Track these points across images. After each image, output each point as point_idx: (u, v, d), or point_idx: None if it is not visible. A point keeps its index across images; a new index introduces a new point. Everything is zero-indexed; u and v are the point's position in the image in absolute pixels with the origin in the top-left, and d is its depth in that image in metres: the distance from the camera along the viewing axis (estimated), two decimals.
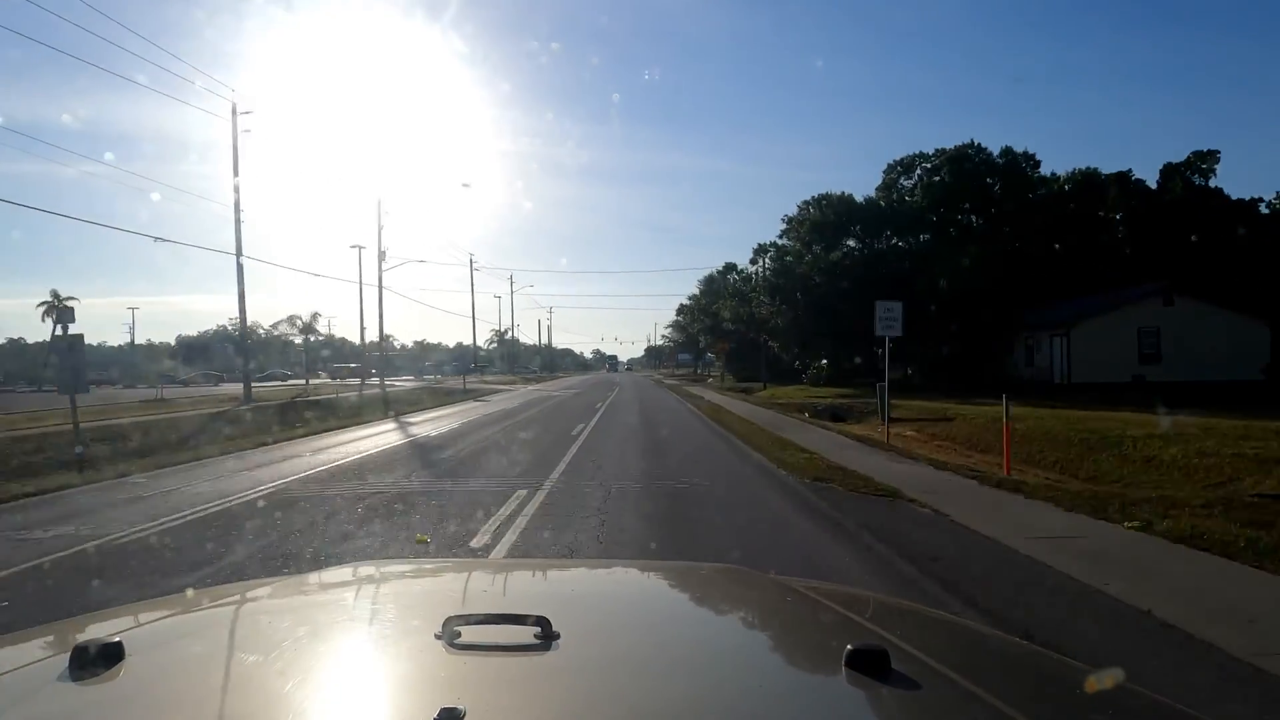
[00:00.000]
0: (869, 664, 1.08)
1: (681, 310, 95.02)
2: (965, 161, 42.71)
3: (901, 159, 46.66)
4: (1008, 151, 42.78)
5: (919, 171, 46.07)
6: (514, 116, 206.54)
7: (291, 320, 45.81)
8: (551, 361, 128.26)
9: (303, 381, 47.43)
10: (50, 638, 1.41)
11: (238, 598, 1.86)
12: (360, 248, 49.91)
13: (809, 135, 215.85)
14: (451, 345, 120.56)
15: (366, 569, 2.63)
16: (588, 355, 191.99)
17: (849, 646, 1.11)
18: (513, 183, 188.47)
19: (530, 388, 53.14)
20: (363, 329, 50.82)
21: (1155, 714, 1.27)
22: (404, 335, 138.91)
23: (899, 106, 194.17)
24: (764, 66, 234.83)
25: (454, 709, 0.89)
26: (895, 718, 1.07)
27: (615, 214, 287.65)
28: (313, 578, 2.36)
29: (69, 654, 1.11)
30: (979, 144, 43.19)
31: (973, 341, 36.42)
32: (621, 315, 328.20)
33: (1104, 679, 1.20)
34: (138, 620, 1.54)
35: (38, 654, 1.28)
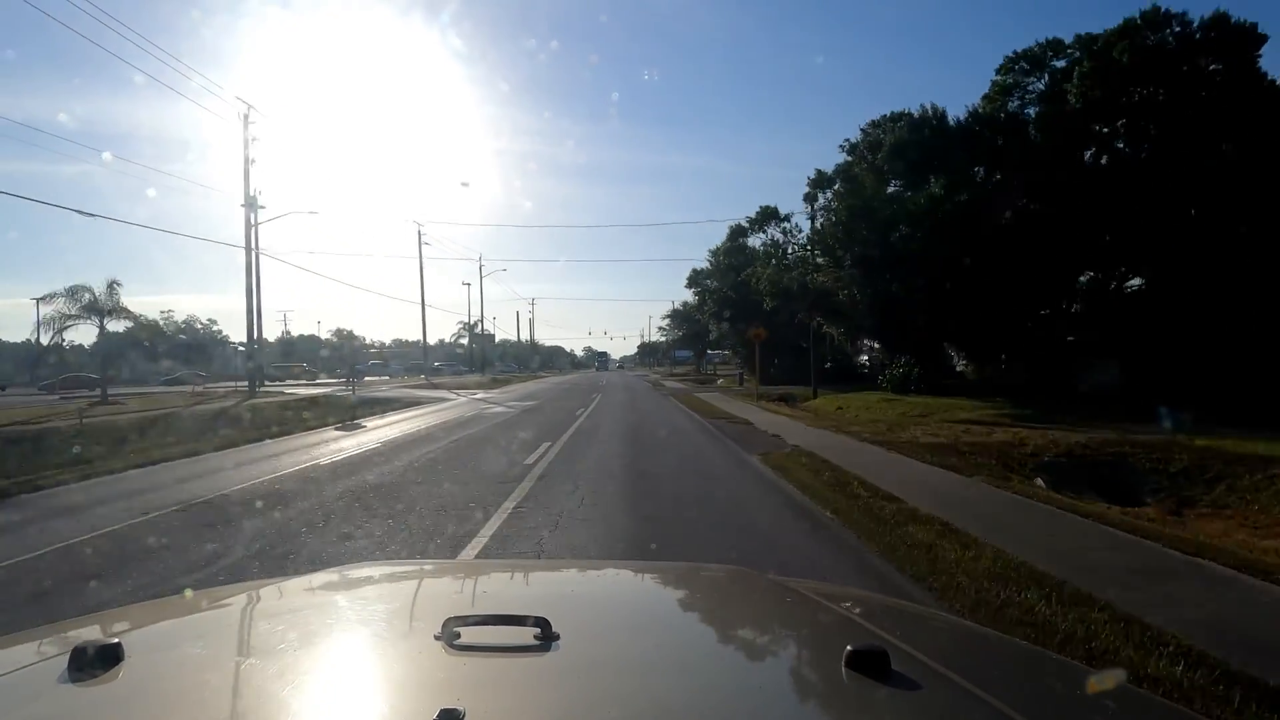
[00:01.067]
0: (869, 664, 1.07)
1: (694, 280, 64.61)
2: (1148, 31, 26.74)
3: (1025, 50, 30.74)
4: (1216, 21, 26.77)
5: (1048, 73, 30.11)
6: (511, 115, 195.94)
7: (74, 294, 29.09)
8: (535, 358, 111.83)
9: (142, 390, 32.62)
10: (50, 639, 1.38)
11: (236, 599, 1.80)
12: (245, 206, 33.93)
13: (803, 134, 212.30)
14: (433, 342, 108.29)
15: (366, 570, 2.49)
16: (579, 353, 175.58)
17: (849, 647, 1.10)
18: (509, 181, 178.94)
19: (480, 395, 36.92)
20: (250, 322, 34.74)
21: (1155, 714, 1.31)
22: (385, 333, 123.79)
23: (896, 104, 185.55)
24: (759, 65, 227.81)
25: (453, 710, 0.89)
26: (895, 718, 1.05)
27: (609, 212, 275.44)
28: (312, 579, 2.17)
29: (68, 655, 1.10)
30: (1167, 9, 27.16)
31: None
32: (614, 310, 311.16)
33: (1104, 679, 1.19)
34: (137, 622, 1.54)
35: (37, 655, 1.26)
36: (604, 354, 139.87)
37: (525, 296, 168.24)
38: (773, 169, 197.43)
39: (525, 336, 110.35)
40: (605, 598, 1.82)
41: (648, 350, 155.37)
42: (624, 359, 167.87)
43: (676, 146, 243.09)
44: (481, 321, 73.21)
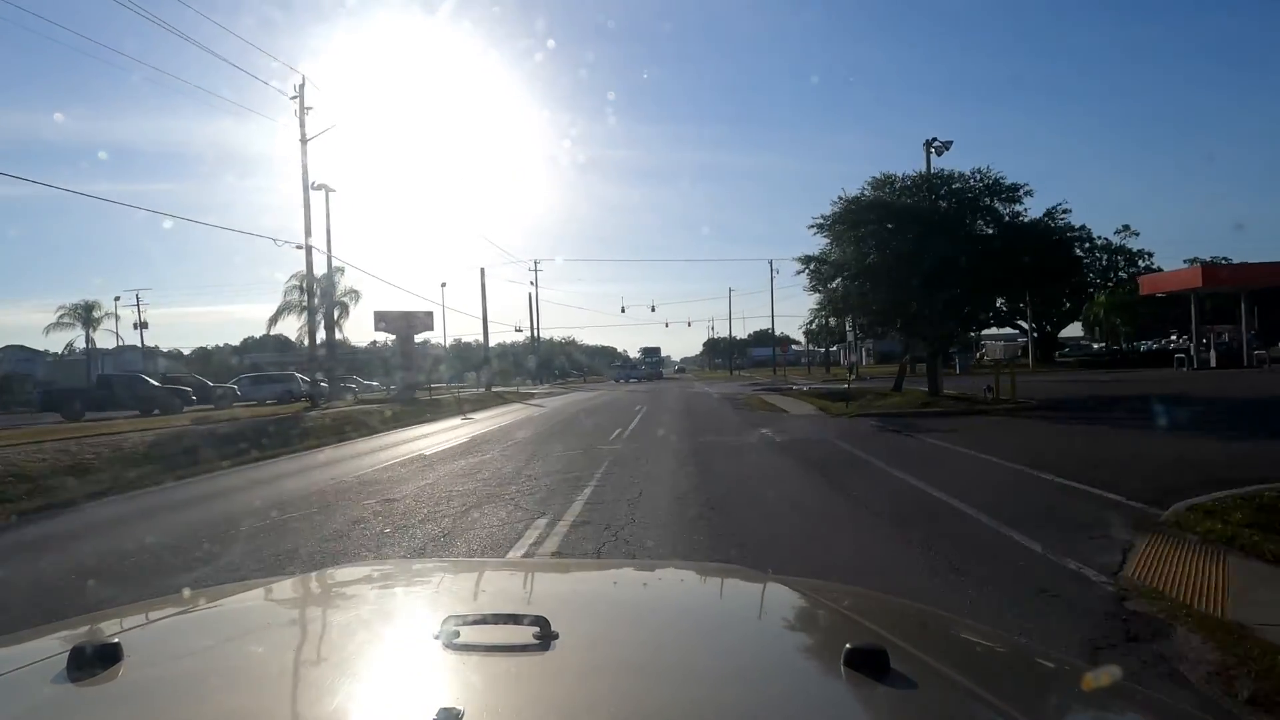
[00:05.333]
0: (868, 663, 1.07)
1: None
2: None
3: None
4: None
5: None
6: (550, 114, 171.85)
7: None
8: (547, 361, 76.14)
9: None
10: (48, 638, 1.40)
11: (235, 598, 1.81)
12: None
13: (845, 126, 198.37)
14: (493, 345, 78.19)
15: (365, 569, 2.62)
16: (633, 354, 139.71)
17: (847, 646, 1.10)
18: (552, 181, 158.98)
19: None
20: None
21: (1152, 712, 1.32)
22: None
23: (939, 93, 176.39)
24: (800, 60, 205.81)
25: (452, 709, 0.89)
26: (894, 717, 1.06)
27: (658, 213, 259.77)
28: (311, 578, 2.29)
29: (67, 655, 1.11)
30: None
31: None
32: (670, 308, 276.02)
33: (1100, 677, 1.21)
34: (136, 621, 1.57)
35: (35, 655, 1.26)
36: (655, 351, 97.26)
37: (522, 258, 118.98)
38: (815, 164, 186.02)
39: (562, 330, 74.47)
40: (604, 597, 1.83)
41: (715, 350, 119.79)
42: (684, 361, 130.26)
43: (710, 144, 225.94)
44: (332, 273, 34.19)
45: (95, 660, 1.09)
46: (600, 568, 3.08)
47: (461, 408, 28.89)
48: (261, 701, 1.06)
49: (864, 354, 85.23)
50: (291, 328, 47.72)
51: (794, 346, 79.58)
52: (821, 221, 24.41)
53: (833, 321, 24.84)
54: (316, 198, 35.18)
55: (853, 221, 23.59)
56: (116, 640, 1.15)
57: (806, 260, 25.37)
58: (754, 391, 37.08)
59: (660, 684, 1.13)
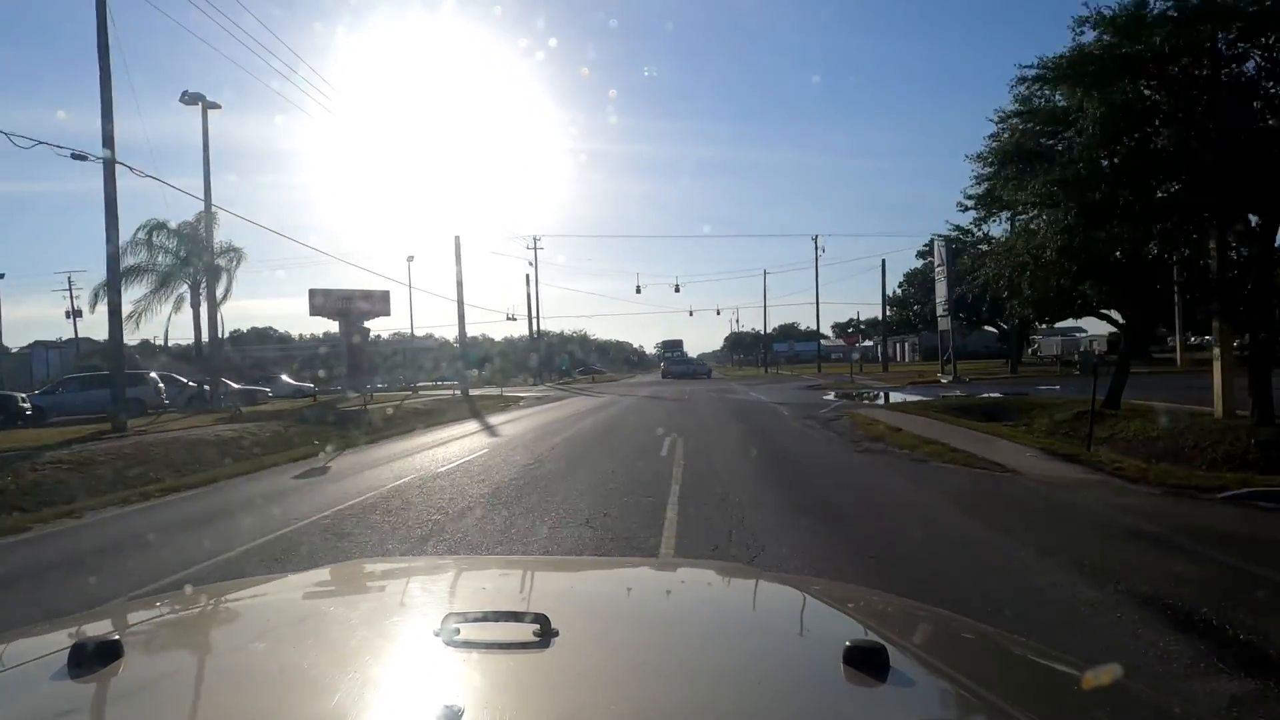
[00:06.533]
0: (867, 662, 1.08)
1: None
2: None
3: None
4: None
5: None
6: (564, 110, 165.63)
7: None
8: (550, 357, 66.88)
9: None
10: (48, 636, 1.40)
11: (235, 596, 1.82)
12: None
13: (865, 122, 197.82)
14: (499, 339, 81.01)
15: (366, 566, 2.67)
16: (649, 350, 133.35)
17: (847, 644, 1.11)
18: (566, 175, 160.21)
19: None
20: None
21: (1152, 712, 1.31)
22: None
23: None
24: (824, 55, 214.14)
25: (453, 706, 0.90)
26: (893, 715, 1.07)
27: (669, 210, 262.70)
28: (311, 575, 2.34)
29: (67, 652, 1.12)
30: None
31: None
32: (686, 298, 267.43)
33: (1101, 675, 1.20)
34: (135, 618, 1.58)
35: (36, 652, 1.28)
36: (678, 344, 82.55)
37: (523, 233, 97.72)
38: (834, 158, 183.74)
39: (571, 322, 68.06)
40: (604, 595, 1.81)
41: (737, 344, 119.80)
42: (703, 356, 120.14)
43: (724, 140, 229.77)
44: (207, 211, 25.98)
45: (95, 657, 1.09)
46: (600, 566, 3.03)
47: (366, 434, 18.67)
48: (261, 699, 1.06)
49: (907, 350, 73.51)
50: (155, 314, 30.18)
51: (823, 340, 68.40)
52: (1039, 70, 11.41)
53: (1026, 287, 13.53)
54: (193, 113, 25.51)
55: (1100, 76, 10.36)
56: (117, 637, 1.16)
57: (997, 160, 12.48)
58: (832, 402, 25.71)
59: (660, 682, 1.14)
